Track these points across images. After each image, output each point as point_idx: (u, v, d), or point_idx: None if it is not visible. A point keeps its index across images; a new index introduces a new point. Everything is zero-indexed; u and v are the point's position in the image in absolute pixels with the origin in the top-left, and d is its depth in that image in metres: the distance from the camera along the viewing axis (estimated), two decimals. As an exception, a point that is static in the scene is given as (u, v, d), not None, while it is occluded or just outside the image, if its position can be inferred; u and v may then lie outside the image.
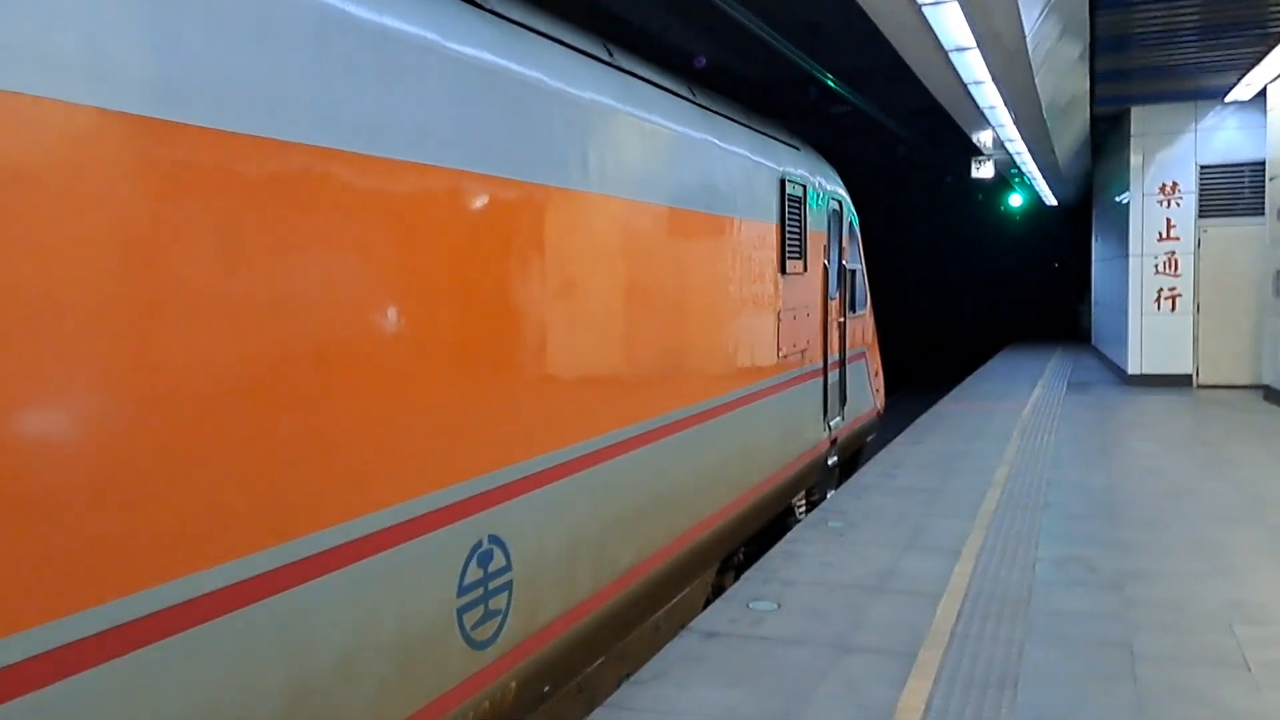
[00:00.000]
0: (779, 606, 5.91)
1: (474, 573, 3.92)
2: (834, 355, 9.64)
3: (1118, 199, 18.87)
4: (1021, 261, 36.33)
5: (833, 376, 9.59)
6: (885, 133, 21.36)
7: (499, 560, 4.09)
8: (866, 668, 4.98)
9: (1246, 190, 16.19)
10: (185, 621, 2.61)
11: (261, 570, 2.87)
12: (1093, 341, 24.70)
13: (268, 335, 2.90)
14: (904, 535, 7.43)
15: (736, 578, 7.70)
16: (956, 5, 7.01)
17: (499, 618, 4.08)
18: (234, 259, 2.79)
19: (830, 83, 14.22)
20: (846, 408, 10.14)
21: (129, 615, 2.46)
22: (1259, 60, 13.31)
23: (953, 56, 8.64)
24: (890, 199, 29.07)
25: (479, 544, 3.95)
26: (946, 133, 24.53)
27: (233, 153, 2.77)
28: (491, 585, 4.03)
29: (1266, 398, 14.57)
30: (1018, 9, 7.23)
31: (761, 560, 6.92)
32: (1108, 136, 19.77)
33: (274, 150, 2.91)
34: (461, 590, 3.84)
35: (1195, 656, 5.10)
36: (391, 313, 3.46)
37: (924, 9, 7.00)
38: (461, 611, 3.84)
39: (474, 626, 3.91)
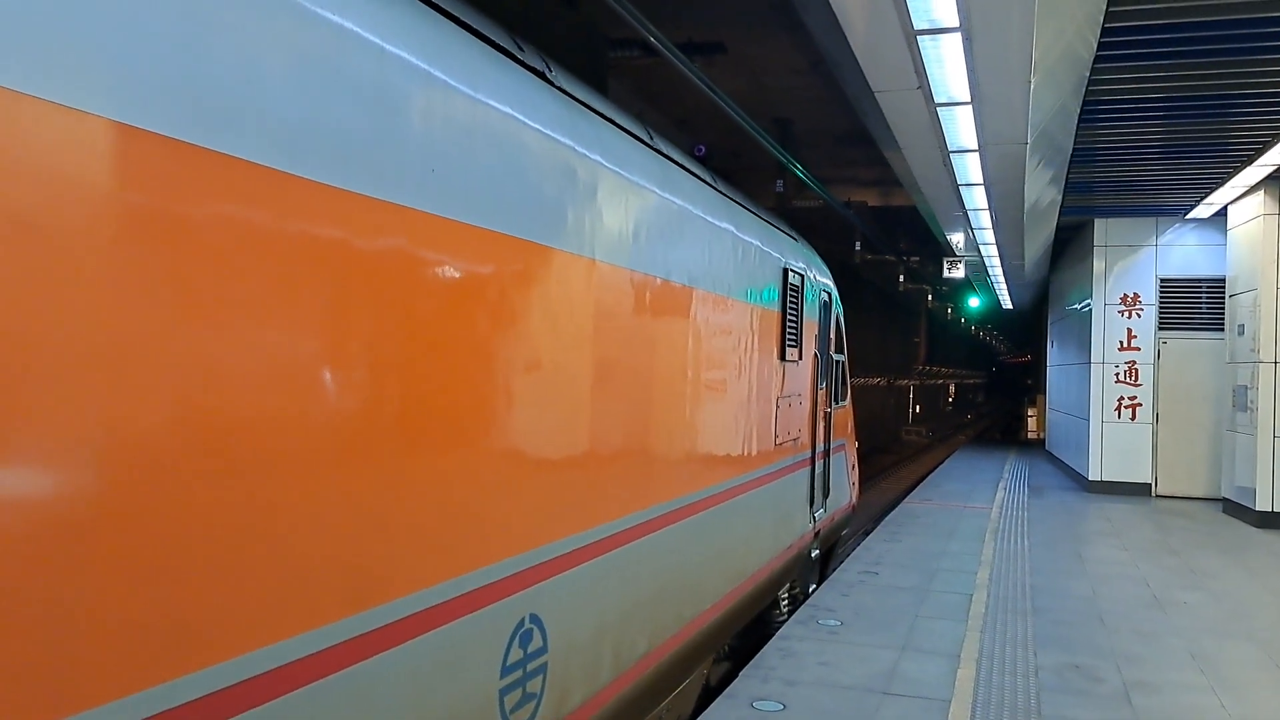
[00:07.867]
0: (785, 708, 5.73)
1: (515, 653, 3.75)
2: (820, 445, 9.59)
3: (1078, 306, 19.28)
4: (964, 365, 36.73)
5: (818, 466, 9.52)
6: (843, 230, 21.75)
7: (537, 641, 3.92)
8: (890, 775, 4.82)
9: (1204, 305, 16.66)
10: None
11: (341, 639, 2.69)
12: (1047, 446, 25.01)
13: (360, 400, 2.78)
14: (899, 636, 7.30)
15: (721, 673, 7.49)
16: (969, 109, 7.14)
17: (534, 701, 3.90)
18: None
19: (800, 174, 14.44)
20: (829, 499, 10.06)
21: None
22: (1222, 181, 13.77)
23: (953, 158, 8.79)
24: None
25: (521, 623, 3.79)
26: (900, 234, 25.10)
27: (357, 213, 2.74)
28: (530, 667, 3.87)
29: (1225, 510, 14.78)
30: (1026, 116, 7.40)
31: (757, 657, 6.73)
32: (1067, 245, 20.27)
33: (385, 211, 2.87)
34: (504, 671, 3.67)
35: (1218, 775, 5.02)
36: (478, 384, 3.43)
37: (939, 110, 7.12)
38: (503, 694, 3.66)
39: (513, 710, 3.73)
